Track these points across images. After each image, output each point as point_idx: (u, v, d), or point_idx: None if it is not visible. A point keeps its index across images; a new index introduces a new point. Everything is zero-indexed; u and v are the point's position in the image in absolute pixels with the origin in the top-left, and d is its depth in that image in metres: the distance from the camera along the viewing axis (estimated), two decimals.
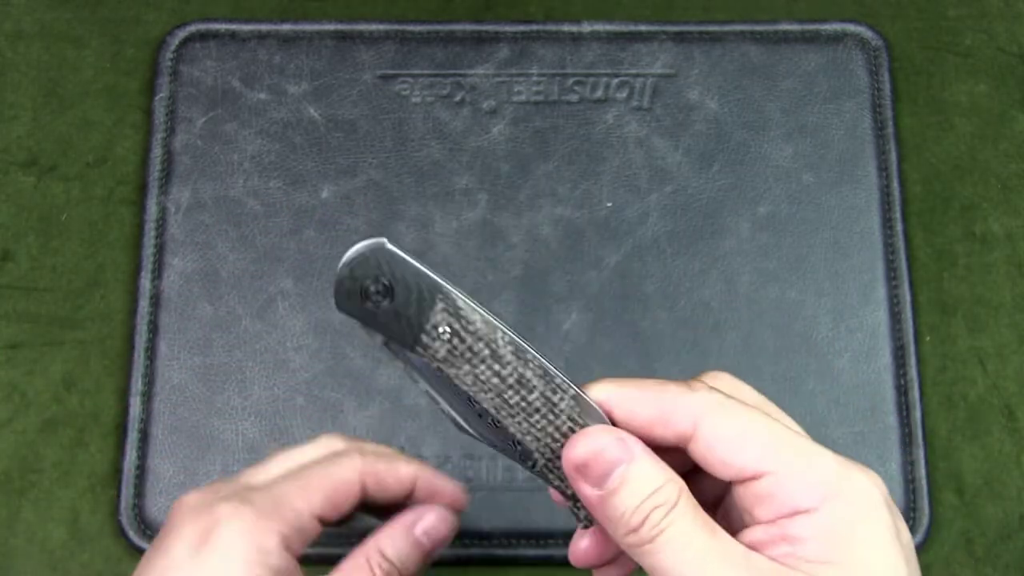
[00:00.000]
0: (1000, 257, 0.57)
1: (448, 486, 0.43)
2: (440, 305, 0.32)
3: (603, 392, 0.34)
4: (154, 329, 0.55)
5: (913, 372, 0.55)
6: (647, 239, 0.56)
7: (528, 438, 0.34)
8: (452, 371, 0.33)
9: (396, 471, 0.42)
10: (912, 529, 0.53)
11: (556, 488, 0.35)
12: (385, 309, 0.33)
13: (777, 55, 0.59)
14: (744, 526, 0.33)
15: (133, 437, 0.53)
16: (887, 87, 0.59)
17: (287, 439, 0.53)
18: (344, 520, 0.41)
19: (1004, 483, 0.54)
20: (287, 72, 0.59)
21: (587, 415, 0.34)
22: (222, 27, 0.60)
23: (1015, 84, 0.60)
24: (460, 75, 0.59)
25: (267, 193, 0.57)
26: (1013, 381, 0.56)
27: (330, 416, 0.54)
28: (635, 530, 0.32)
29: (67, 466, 0.54)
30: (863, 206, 0.57)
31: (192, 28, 0.60)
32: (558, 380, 0.33)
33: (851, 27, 0.60)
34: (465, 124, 0.58)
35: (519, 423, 0.34)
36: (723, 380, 0.35)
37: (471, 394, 0.33)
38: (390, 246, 0.32)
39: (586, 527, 0.36)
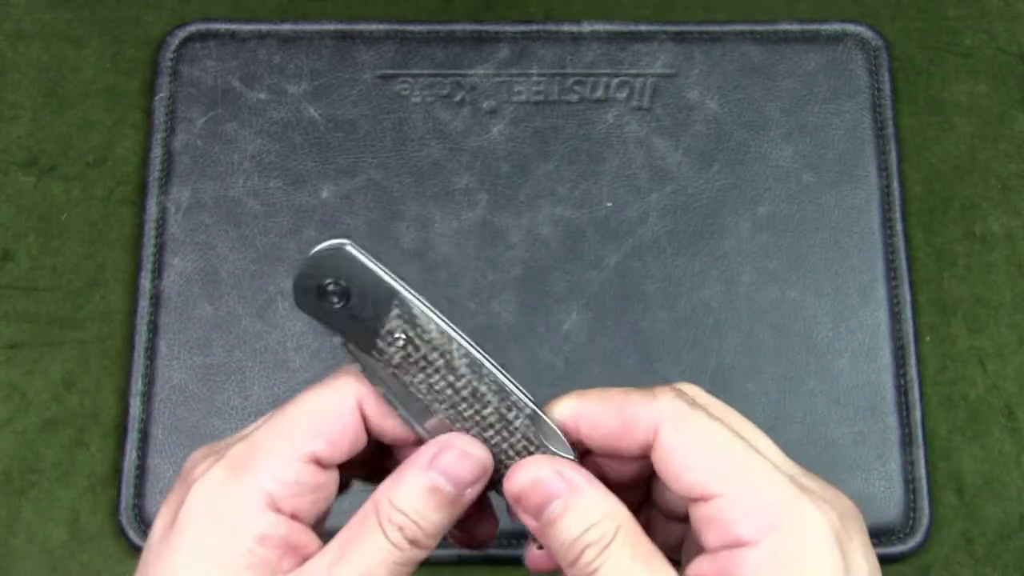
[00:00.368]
0: (1000, 257, 0.57)
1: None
2: (395, 311, 0.32)
3: (567, 408, 0.33)
4: (154, 329, 0.55)
5: (913, 372, 0.55)
6: (647, 239, 0.56)
7: None
8: (407, 378, 0.33)
9: None
10: (912, 529, 0.53)
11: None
12: (341, 310, 0.32)
13: (777, 55, 0.59)
14: (701, 550, 0.32)
15: (133, 437, 0.53)
16: (887, 87, 0.59)
17: None
18: (373, 467, 0.35)
19: (1004, 483, 0.54)
20: (287, 72, 0.59)
21: (543, 434, 0.33)
22: (222, 27, 0.60)
23: (1015, 84, 0.60)
24: (460, 75, 0.59)
25: (267, 193, 0.57)
26: (1013, 381, 0.55)
27: None
28: (572, 564, 0.32)
29: (67, 466, 0.54)
30: (863, 206, 0.57)
31: (192, 28, 0.59)
32: (514, 398, 0.33)
33: (851, 27, 0.60)
34: (465, 124, 0.58)
35: (473, 436, 0.33)
36: (693, 392, 0.34)
37: (426, 403, 0.33)
38: (350, 248, 0.33)
39: (540, 548, 0.35)
